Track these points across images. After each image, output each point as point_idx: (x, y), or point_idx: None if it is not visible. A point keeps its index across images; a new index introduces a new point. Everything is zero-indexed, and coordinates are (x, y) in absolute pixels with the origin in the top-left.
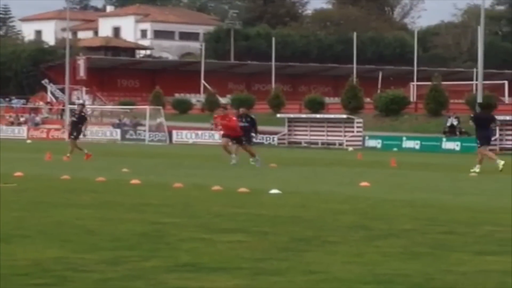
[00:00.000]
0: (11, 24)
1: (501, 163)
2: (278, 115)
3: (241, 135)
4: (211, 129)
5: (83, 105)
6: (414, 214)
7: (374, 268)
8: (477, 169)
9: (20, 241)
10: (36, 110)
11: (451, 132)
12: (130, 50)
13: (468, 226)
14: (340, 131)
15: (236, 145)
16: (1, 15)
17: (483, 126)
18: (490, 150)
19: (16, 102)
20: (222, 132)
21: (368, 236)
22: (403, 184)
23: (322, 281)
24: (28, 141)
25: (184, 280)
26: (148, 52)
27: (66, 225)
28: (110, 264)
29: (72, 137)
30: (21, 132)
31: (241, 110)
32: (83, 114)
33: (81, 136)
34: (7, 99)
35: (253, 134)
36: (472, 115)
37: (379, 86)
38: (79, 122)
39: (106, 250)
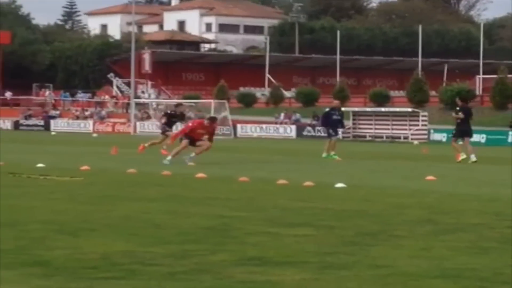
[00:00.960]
0: (77, 18)
1: (468, 156)
2: (343, 109)
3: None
4: (276, 123)
5: (181, 104)
6: (481, 208)
7: (441, 263)
8: (473, 158)
9: (88, 234)
10: (101, 104)
11: None
12: (195, 43)
13: None
14: (405, 125)
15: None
16: (67, 10)
17: (467, 119)
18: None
19: (82, 96)
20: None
21: (435, 231)
22: (469, 178)
23: (389, 275)
24: (94, 135)
25: (250, 274)
26: (213, 45)
27: (133, 219)
28: (177, 257)
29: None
30: (87, 126)
31: (335, 102)
32: (181, 113)
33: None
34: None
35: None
36: (460, 107)
37: (445, 79)
38: (176, 119)
39: (173, 244)
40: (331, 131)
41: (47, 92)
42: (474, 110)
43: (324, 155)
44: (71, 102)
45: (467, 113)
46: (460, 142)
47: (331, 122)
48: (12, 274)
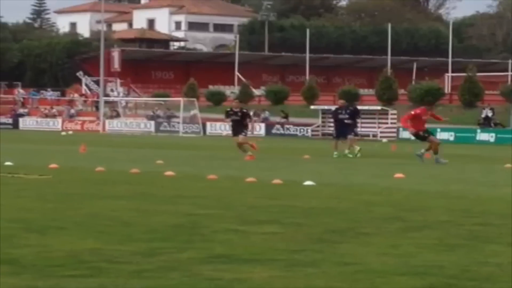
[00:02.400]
0: (46, 16)
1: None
2: (312, 107)
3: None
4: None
5: (240, 101)
6: (449, 206)
7: (409, 260)
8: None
9: (56, 232)
10: (70, 102)
11: (486, 124)
12: (165, 42)
13: (503, 217)
14: (374, 123)
15: None
16: (36, 8)
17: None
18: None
19: (51, 94)
20: None
21: (402, 228)
22: (437, 175)
23: (357, 272)
24: (63, 133)
25: (218, 271)
26: (182, 44)
27: (101, 217)
28: (145, 255)
29: (243, 134)
30: (56, 124)
31: (340, 102)
32: (245, 110)
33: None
34: (42, 91)
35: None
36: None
37: (414, 77)
38: (242, 119)
39: (141, 242)
40: (336, 130)
41: (21, 91)
42: (444, 108)
43: (335, 154)
44: (39, 100)
45: (354, 113)
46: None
47: (338, 121)
48: None
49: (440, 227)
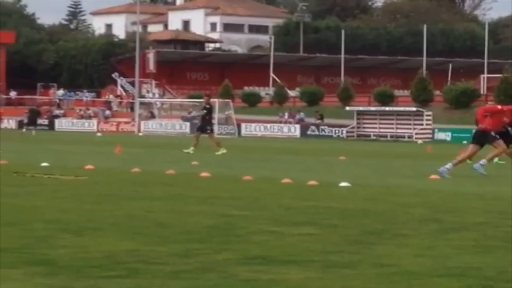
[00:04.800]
0: (82, 18)
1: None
2: (347, 108)
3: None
4: (280, 122)
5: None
6: (485, 207)
7: (446, 261)
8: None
9: (92, 233)
10: (106, 104)
11: None
12: (200, 43)
13: None
14: (410, 124)
15: None
16: (72, 9)
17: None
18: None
19: (87, 96)
20: None
21: (439, 229)
22: (473, 177)
23: (393, 274)
24: (98, 134)
25: (254, 272)
26: (218, 45)
27: (137, 218)
28: (181, 256)
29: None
30: (91, 125)
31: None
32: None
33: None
34: (77, 92)
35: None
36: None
37: (449, 78)
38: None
39: (177, 243)
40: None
41: (60, 91)
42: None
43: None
44: (74, 101)
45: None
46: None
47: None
48: (16, 273)
49: (476, 229)
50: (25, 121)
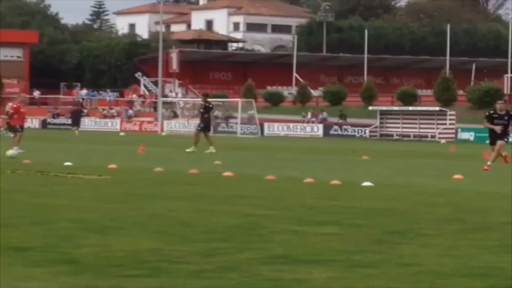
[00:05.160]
0: (105, 18)
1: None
2: (370, 108)
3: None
4: (303, 122)
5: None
6: (509, 207)
7: (469, 261)
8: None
9: (116, 232)
10: (129, 103)
11: None
12: (223, 43)
13: None
14: (433, 124)
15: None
16: (95, 9)
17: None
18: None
19: (110, 95)
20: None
21: (462, 229)
22: (496, 177)
23: (417, 273)
24: (121, 133)
25: (278, 272)
26: (241, 45)
27: (160, 217)
28: (204, 255)
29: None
30: (114, 124)
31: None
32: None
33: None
34: (101, 92)
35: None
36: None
37: (473, 78)
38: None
39: (200, 242)
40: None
41: (83, 91)
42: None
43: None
44: (98, 100)
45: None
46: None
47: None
48: (40, 271)
49: (500, 228)
50: (68, 121)
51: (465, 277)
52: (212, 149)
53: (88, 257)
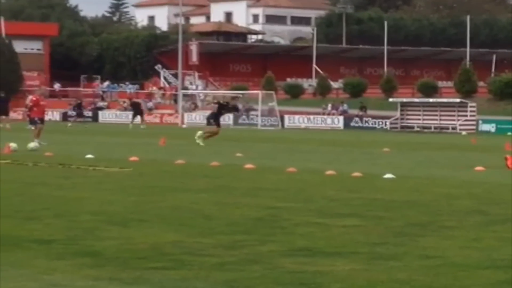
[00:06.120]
0: (124, 10)
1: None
2: (391, 100)
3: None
4: (323, 114)
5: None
6: None
7: (492, 253)
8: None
9: (138, 225)
10: (149, 95)
11: None
12: (242, 35)
13: None
14: (454, 115)
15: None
16: (114, 1)
17: None
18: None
19: (130, 88)
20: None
21: (484, 221)
22: None
23: (439, 266)
24: (142, 126)
25: (300, 264)
26: (260, 37)
27: (182, 210)
28: (226, 248)
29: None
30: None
31: None
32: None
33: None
34: (121, 84)
35: None
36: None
37: (493, 69)
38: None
39: (222, 234)
40: None
41: (104, 83)
42: None
43: None
44: (118, 93)
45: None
46: None
47: None
48: (63, 264)
49: None
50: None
51: (487, 269)
52: (200, 139)
53: (111, 249)
